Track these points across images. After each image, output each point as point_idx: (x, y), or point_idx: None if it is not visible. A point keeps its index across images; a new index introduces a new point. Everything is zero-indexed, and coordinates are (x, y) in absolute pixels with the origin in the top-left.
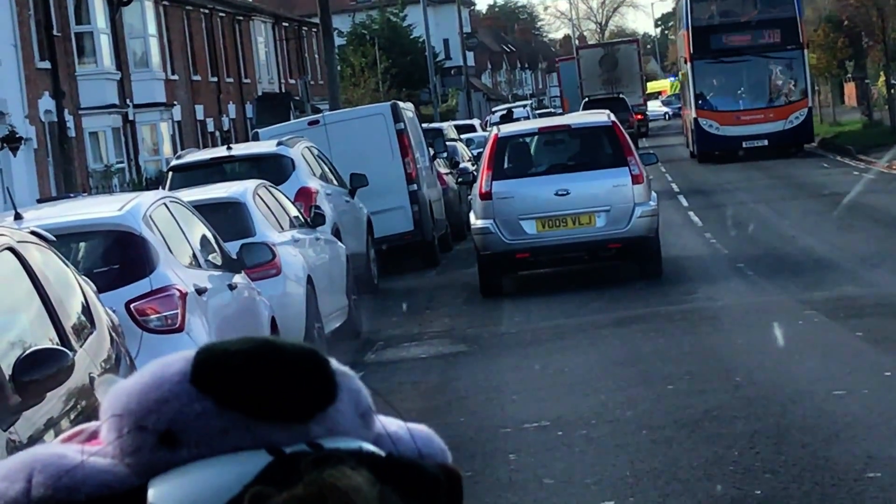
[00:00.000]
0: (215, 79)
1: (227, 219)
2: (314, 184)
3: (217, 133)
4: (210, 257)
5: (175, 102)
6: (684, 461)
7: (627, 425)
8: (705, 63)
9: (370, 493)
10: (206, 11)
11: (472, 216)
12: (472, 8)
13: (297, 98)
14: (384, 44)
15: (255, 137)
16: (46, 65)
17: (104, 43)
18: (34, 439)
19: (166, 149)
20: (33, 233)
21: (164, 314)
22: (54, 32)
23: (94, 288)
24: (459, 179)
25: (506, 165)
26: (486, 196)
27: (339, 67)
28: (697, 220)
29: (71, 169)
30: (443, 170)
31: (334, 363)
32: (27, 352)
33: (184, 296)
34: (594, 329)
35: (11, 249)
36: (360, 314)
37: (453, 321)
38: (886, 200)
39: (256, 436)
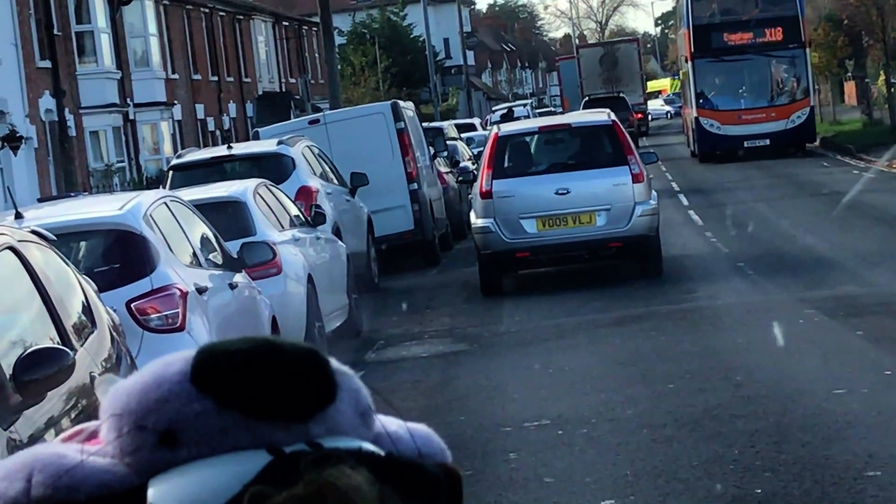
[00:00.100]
0: (216, 78)
1: (227, 218)
2: (315, 183)
3: (217, 132)
4: (211, 256)
5: (175, 101)
6: (685, 460)
7: (628, 424)
8: (706, 62)
9: (370, 492)
10: (207, 10)
11: (472, 215)
12: (473, 7)
13: (298, 97)
14: (384, 43)
15: (256, 136)
16: (47, 64)
17: (105, 42)
18: (35, 438)
19: (167, 148)
20: (34, 232)
21: (165, 313)
22: (55, 31)
23: (95, 287)
24: (460, 178)
25: (506, 164)
26: (486, 195)
27: (339, 66)
28: (698, 218)
29: (71, 168)
30: (443, 169)
31: (334, 363)
32: (28, 351)
33: (184, 295)
34: (594, 328)
35: (12, 249)
36: (360, 313)
37: (454, 320)
38: (887, 199)
39: (256, 435)
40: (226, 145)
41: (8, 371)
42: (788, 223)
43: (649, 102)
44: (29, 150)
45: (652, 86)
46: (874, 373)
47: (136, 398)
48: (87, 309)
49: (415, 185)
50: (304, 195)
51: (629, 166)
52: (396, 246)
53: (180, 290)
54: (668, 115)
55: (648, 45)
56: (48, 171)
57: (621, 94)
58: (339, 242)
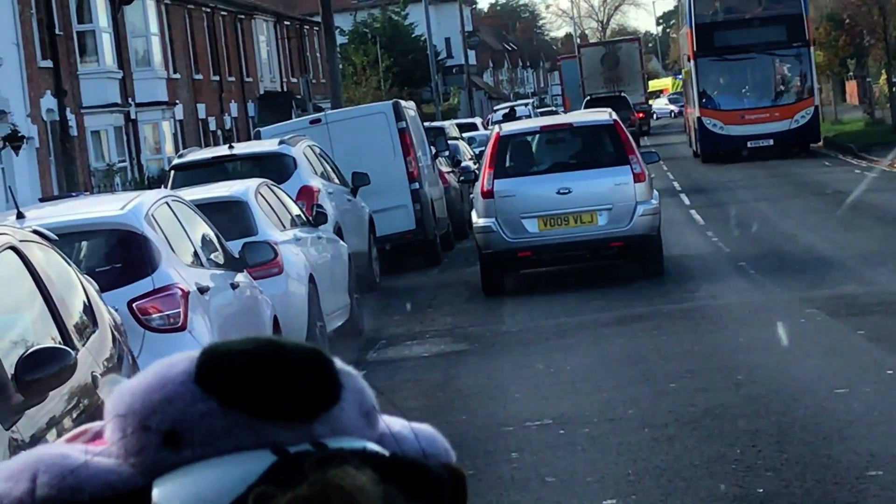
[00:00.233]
0: (217, 77)
1: (229, 218)
2: (316, 182)
3: (219, 132)
4: (212, 256)
5: (177, 101)
6: (686, 459)
7: (629, 423)
8: (709, 61)
9: (374, 492)
10: (208, 10)
11: (473, 215)
12: (474, 6)
13: (299, 97)
14: (386, 42)
15: (257, 136)
16: (48, 63)
17: (106, 42)
18: (36, 438)
19: (168, 148)
20: (35, 232)
21: (167, 313)
22: (56, 31)
23: (97, 287)
24: (461, 178)
25: (508, 164)
26: (487, 195)
27: (340, 66)
28: (699, 218)
29: (73, 168)
30: (444, 168)
31: (338, 363)
32: (29, 351)
33: (186, 295)
34: (596, 327)
35: (14, 248)
36: (361, 313)
37: (455, 320)
38: (889, 199)
39: (260, 436)
40: (227, 145)
41: (10, 371)
42: (790, 223)
43: (654, 101)
44: (30, 150)
45: (653, 85)
46: (876, 372)
47: (140, 399)
48: (89, 309)
49: (416, 185)
50: (305, 195)
51: (631, 166)
52: (398, 245)
53: (182, 289)
54: (672, 113)
55: (650, 45)
56: (50, 170)
57: (623, 94)
58: (341, 242)
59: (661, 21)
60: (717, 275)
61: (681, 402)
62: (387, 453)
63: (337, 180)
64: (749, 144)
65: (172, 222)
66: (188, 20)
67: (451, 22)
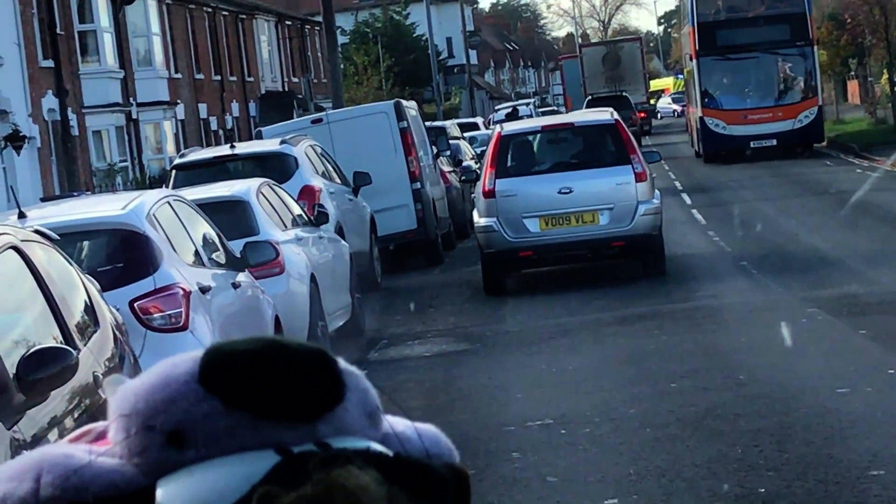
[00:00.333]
0: (218, 77)
1: (230, 217)
2: (317, 182)
3: (220, 131)
4: (214, 256)
5: (178, 101)
6: (687, 459)
7: (631, 423)
8: (711, 60)
9: (378, 492)
10: (210, 10)
11: (475, 214)
12: (475, 6)
13: (301, 96)
14: (387, 42)
15: (259, 136)
16: (50, 63)
17: (107, 41)
18: (38, 438)
19: (169, 147)
20: (37, 231)
21: (168, 313)
22: (58, 31)
23: (98, 286)
24: (462, 178)
25: (509, 163)
26: (489, 194)
27: (342, 66)
28: (701, 218)
29: (74, 168)
30: (446, 168)
31: (342, 363)
32: (31, 350)
33: (187, 294)
34: (597, 327)
35: (15, 248)
36: (363, 312)
37: (457, 319)
38: (890, 199)
39: (264, 436)
40: (229, 145)
41: (11, 370)
42: (791, 222)
43: (658, 101)
44: (32, 150)
45: (655, 85)
46: (878, 372)
47: (143, 399)
48: (91, 308)
49: (418, 185)
50: (306, 194)
51: (632, 165)
52: (399, 245)
53: (183, 289)
54: (675, 113)
55: (651, 44)
56: (51, 170)
57: (624, 93)
58: (342, 242)
59: (662, 21)
60: (719, 274)
61: (682, 402)
62: (390, 453)
63: (338, 180)
64: (752, 145)
65: (174, 222)
66: (189, 20)
67: (453, 22)
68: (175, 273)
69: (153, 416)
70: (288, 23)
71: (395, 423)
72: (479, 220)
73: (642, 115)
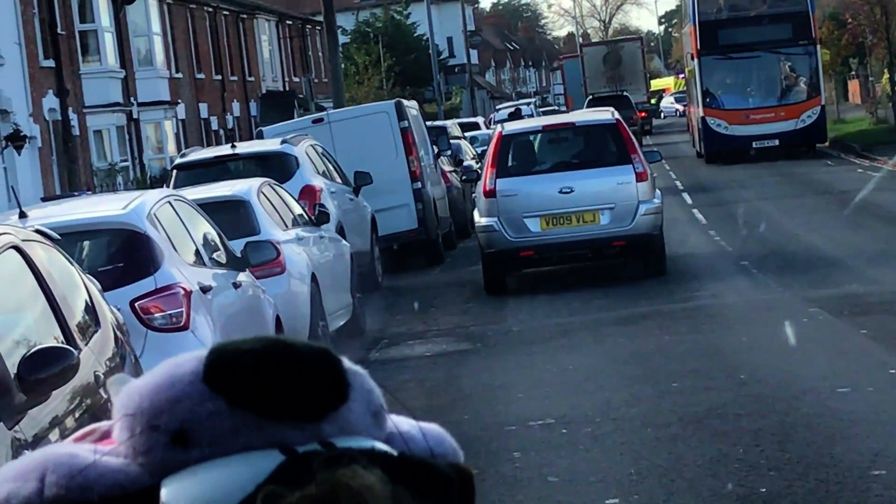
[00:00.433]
0: (219, 77)
1: (231, 217)
2: (318, 182)
3: (221, 131)
4: (215, 255)
5: (179, 101)
6: (689, 458)
7: (632, 423)
8: (713, 59)
9: (383, 492)
10: (210, 10)
11: (476, 214)
12: (476, 6)
13: (302, 96)
14: (388, 42)
15: (260, 136)
16: (50, 63)
17: (108, 41)
18: (39, 438)
19: (170, 147)
20: (38, 231)
21: (169, 312)
22: (58, 31)
23: (99, 286)
24: (463, 177)
25: (510, 163)
26: (490, 194)
27: (342, 65)
28: (702, 217)
29: (75, 167)
30: (447, 168)
31: (346, 362)
32: (32, 350)
33: (188, 294)
34: (598, 327)
35: (16, 248)
36: (364, 312)
37: (458, 319)
38: (892, 199)
39: (269, 435)
40: (229, 144)
41: (12, 370)
42: (792, 222)
43: (661, 100)
44: (32, 150)
45: (655, 84)
46: (879, 371)
47: (148, 398)
48: (91, 308)
49: (418, 184)
50: (307, 194)
51: (633, 165)
52: (400, 245)
53: (184, 289)
54: (678, 112)
55: (652, 44)
56: (52, 170)
57: (625, 93)
58: (343, 241)
59: (663, 20)
60: (720, 274)
61: (683, 402)
62: (395, 453)
63: (339, 179)
64: (755, 145)
65: (175, 222)
66: (190, 19)
67: (454, 21)
68: (176, 273)
69: (158, 415)
70: (289, 22)
71: (400, 422)
72: (479, 219)
73: (643, 114)
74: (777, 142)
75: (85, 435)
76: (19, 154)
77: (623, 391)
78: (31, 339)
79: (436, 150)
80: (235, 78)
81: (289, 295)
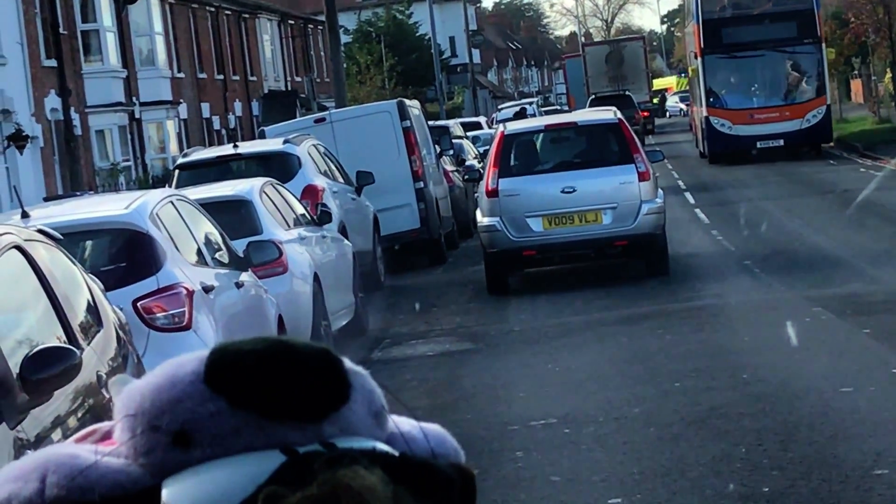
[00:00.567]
0: (221, 77)
1: (233, 217)
2: (320, 182)
3: (223, 131)
4: (217, 255)
5: (181, 100)
6: (692, 458)
7: (634, 422)
8: (716, 58)
9: (384, 492)
10: (212, 9)
11: (478, 214)
12: (478, 5)
13: (304, 96)
14: (390, 41)
15: (262, 135)
16: (52, 63)
17: (110, 41)
18: (42, 438)
19: (172, 147)
20: (40, 231)
21: (171, 312)
22: (60, 30)
23: (101, 286)
24: (466, 177)
25: (512, 163)
26: (492, 193)
27: (345, 65)
28: (704, 217)
29: (77, 167)
30: (449, 167)
31: (347, 363)
32: (35, 350)
33: (191, 294)
34: (601, 326)
35: (18, 248)
36: (366, 312)
37: (460, 319)
38: (894, 198)
39: (270, 436)
40: (232, 144)
41: (15, 370)
42: (795, 221)
43: (660, 99)
44: (35, 150)
45: (658, 84)
46: (881, 371)
47: (149, 398)
48: (94, 308)
49: (421, 184)
50: (309, 194)
51: (635, 164)
52: (402, 244)
53: (186, 288)
54: (682, 111)
55: (654, 43)
56: (54, 170)
57: (627, 93)
58: (345, 241)
59: (665, 20)
60: (723, 274)
61: (686, 401)
62: (396, 453)
63: (341, 179)
64: (759, 145)
65: (177, 221)
66: (192, 19)
67: (456, 21)
68: (178, 273)
69: (159, 415)
70: (291, 22)
71: (401, 422)
72: (482, 219)
73: (645, 113)
74: (782, 142)
75: (86, 435)
76: (21, 154)
77: (625, 391)
78: (33, 338)
79: (438, 150)
80: (237, 77)
81: (291, 295)
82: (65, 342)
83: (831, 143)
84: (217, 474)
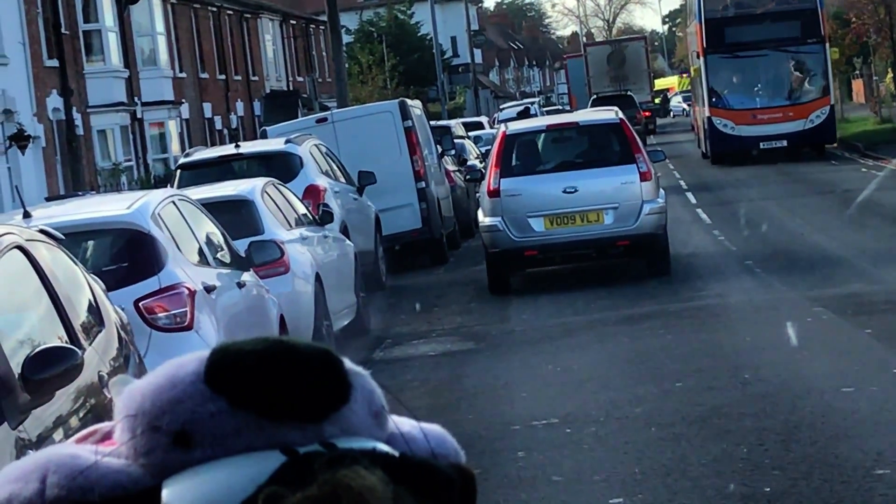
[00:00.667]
0: (223, 76)
1: (235, 217)
2: (322, 181)
3: (225, 131)
4: (219, 255)
5: (183, 100)
6: (693, 458)
7: (636, 422)
8: (719, 58)
9: (384, 493)
10: (214, 9)
11: (480, 214)
12: (480, 5)
13: (305, 96)
14: (392, 41)
15: (264, 135)
16: (54, 63)
17: (112, 41)
18: (43, 438)
19: (174, 147)
20: (42, 231)
21: (173, 312)
22: (62, 30)
23: (103, 286)
24: (467, 177)
25: (514, 163)
26: (494, 193)
27: (346, 65)
28: (706, 217)
29: (79, 167)
30: (451, 167)
31: (348, 363)
32: (36, 350)
33: (192, 294)
34: (602, 326)
35: (20, 248)
36: (368, 312)
37: (462, 319)
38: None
39: (270, 436)
40: (233, 144)
41: (17, 370)
42: (797, 221)
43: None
44: (37, 149)
45: (659, 84)
46: (883, 371)
47: (149, 399)
48: (95, 308)
49: (422, 184)
50: (311, 194)
51: (637, 164)
52: (404, 244)
53: (188, 288)
54: (684, 111)
55: (656, 43)
56: (56, 170)
57: (629, 93)
58: (347, 241)
59: (667, 20)
60: (724, 274)
61: (687, 401)
62: (396, 454)
63: (343, 179)
64: (762, 145)
65: (179, 221)
66: (194, 19)
67: (457, 21)
68: (180, 272)
69: (159, 416)
70: (292, 22)
71: (401, 423)
72: (483, 219)
73: (647, 113)
74: (785, 142)
75: (87, 436)
76: (23, 154)
77: (627, 391)
78: (35, 338)
79: (439, 150)
80: (239, 77)
81: (293, 295)
82: (66, 342)
83: (835, 144)
84: (217, 474)
